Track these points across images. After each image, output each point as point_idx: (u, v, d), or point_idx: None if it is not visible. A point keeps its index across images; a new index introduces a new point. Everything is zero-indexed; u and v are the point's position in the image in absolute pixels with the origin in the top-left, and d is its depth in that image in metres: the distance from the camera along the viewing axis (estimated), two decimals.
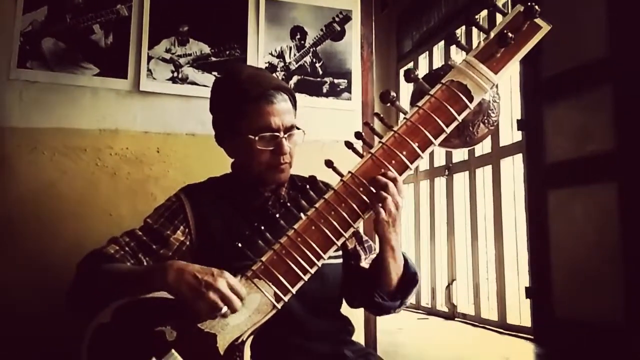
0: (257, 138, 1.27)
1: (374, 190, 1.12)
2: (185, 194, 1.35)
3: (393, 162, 1.12)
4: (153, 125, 1.99)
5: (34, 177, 1.85)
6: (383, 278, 1.24)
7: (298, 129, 1.34)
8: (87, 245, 1.29)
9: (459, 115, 1.13)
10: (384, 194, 1.11)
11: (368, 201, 1.11)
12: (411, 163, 1.12)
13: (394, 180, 1.12)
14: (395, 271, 1.24)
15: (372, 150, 1.13)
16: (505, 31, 1.11)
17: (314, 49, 2.21)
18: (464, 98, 1.13)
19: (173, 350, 1.04)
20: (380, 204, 1.12)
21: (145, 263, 1.25)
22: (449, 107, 1.13)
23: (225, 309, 1.02)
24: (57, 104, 1.90)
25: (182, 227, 1.29)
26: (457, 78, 1.15)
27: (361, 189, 1.11)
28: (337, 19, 2.25)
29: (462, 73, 1.15)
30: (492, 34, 1.16)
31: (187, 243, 1.29)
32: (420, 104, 1.14)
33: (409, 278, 1.27)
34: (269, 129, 1.28)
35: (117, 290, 1.10)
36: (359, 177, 1.12)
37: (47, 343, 1.70)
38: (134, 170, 1.96)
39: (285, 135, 1.30)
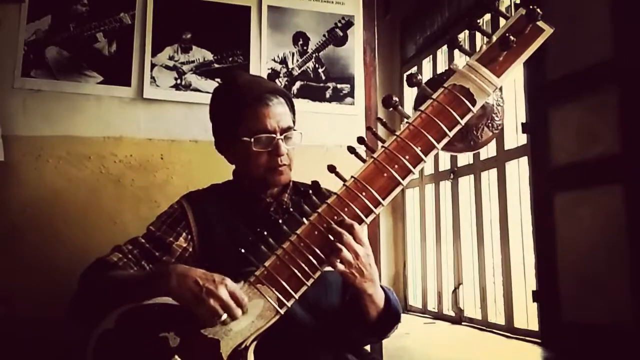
0: (252, 140, 1.28)
1: (330, 240, 1.07)
2: (187, 200, 1.36)
3: (396, 166, 1.11)
4: (157, 132, 2.00)
5: (39, 185, 1.86)
6: (360, 316, 1.20)
7: (296, 130, 1.34)
8: (92, 252, 1.30)
9: (462, 119, 1.13)
10: (338, 245, 1.07)
11: (371, 206, 1.11)
12: (414, 167, 1.12)
13: (350, 228, 1.08)
14: (375, 309, 1.19)
15: (375, 155, 1.13)
16: (507, 34, 1.11)
17: (317, 54, 2.22)
18: (466, 102, 1.13)
19: (176, 357, 1.03)
20: (336, 257, 1.07)
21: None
22: (451, 111, 1.13)
23: (225, 316, 1.02)
24: (61, 112, 1.92)
25: (184, 234, 1.30)
26: (459, 82, 1.15)
27: (364, 193, 1.11)
28: (339, 25, 2.26)
29: (465, 77, 1.15)
30: (495, 38, 1.16)
31: (190, 249, 1.30)
32: (422, 108, 1.14)
33: (390, 316, 1.21)
34: (265, 130, 1.29)
35: (121, 296, 1.10)
36: (361, 181, 1.11)
37: (51, 350, 1.70)
38: (138, 177, 1.96)
39: (282, 137, 1.30)
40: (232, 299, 1.03)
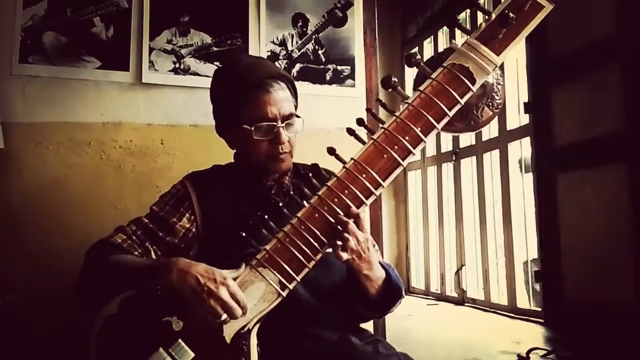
0: (253, 128, 1.27)
1: (335, 227, 1.09)
2: (190, 181, 1.36)
3: (396, 147, 1.11)
4: (156, 117, 2.00)
5: (40, 172, 1.86)
6: (360, 293, 1.22)
7: (298, 117, 1.33)
8: (94, 238, 1.29)
9: (461, 98, 1.12)
10: (346, 235, 1.08)
11: (371, 188, 1.10)
12: (414, 148, 1.11)
13: (356, 217, 1.10)
14: (372, 287, 1.21)
15: (375, 136, 1.12)
16: (506, 11, 1.10)
17: (316, 36, 2.20)
18: (466, 81, 1.12)
19: (180, 340, 1.04)
20: (340, 244, 1.09)
21: (152, 251, 1.26)
22: (451, 90, 1.12)
23: (225, 316, 1.02)
24: (60, 98, 1.91)
25: (187, 215, 1.30)
26: (458, 61, 1.13)
27: (364, 175, 1.10)
28: (339, 5, 2.23)
29: (464, 55, 1.14)
30: (494, 15, 1.14)
31: (193, 230, 1.29)
32: (421, 88, 1.13)
33: (391, 293, 1.24)
34: (266, 118, 1.27)
35: (123, 283, 1.11)
36: (361, 163, 1.11)
37: (54, 336, 1.71)
38: (138, 162, 1.96)
39: (283, 125, 1.29)
40: (232, 299, 1.02)
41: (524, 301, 3.53)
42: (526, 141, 3.51)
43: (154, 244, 1.26)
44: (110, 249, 1.22)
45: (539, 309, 3.29)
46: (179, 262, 1.07)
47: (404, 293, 1.29)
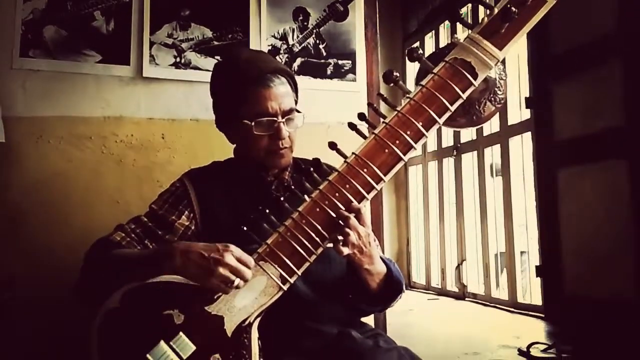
0: (253, 123, 1.27)
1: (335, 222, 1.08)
2: (188, 178, 1.36)
3: (397, 142, 1.11)
4: (157, 112, 1.99)
5: (41, 166, 1.86)
6: (362, 286, 1.22)
7: (298, 112, 1.33)
8: (95, 233, 1.30)
9: (463, 93, 1.12)
10: (347, 229, 1.08)
11: (372, 183, 1.10)
12: (415, 143, 1.11)
13: (357, 212, 1.09)
14: (374, 281, 1.21)
15: (376, 131, 1.12)
16: (509, 6, 1.09)
17: (317, 30, 2.19)
18: (468, 75, 1.11)
19: (181, 333, 1.04)
20: (341, 240, 1.09)
21: None
22: (453, 85, 1.11)
23: (237, 281, 1.03)
24: (61, 92, 1.90)
25: (186, 212, 1.30)
26: (460, 55, 1.13)
27: (365, 169, 1.10)
28: None
29: (466, 50, 1.13)
30: (496, 9, 1.14)
31: (193, 228, 1.30)
32: (423, 82, 1.13)
33: (392, 287, 1.24)
34: (266, 113, 1.27)
35: (125, 276, 1.11)
36: (362, 157, 1.11)
37: (55, 331, 1.71)
38: (139, 157, 1.96)
39: (283, 120, 1.29)
40: (239, 262, 1.03)
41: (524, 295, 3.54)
42: (527, 136, 3.51)
43: (153, 242, 1.26)
44: (109, 246, 1.22)
45: (540, 304, 3.30)
46: (179, 245, 1.09)
47: (404, 288, 1.29)
